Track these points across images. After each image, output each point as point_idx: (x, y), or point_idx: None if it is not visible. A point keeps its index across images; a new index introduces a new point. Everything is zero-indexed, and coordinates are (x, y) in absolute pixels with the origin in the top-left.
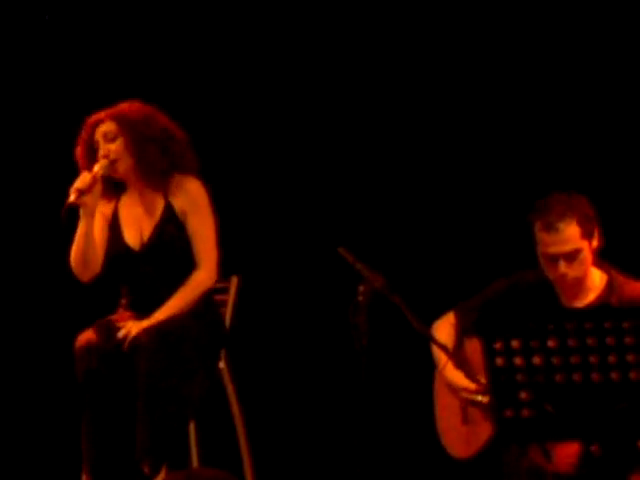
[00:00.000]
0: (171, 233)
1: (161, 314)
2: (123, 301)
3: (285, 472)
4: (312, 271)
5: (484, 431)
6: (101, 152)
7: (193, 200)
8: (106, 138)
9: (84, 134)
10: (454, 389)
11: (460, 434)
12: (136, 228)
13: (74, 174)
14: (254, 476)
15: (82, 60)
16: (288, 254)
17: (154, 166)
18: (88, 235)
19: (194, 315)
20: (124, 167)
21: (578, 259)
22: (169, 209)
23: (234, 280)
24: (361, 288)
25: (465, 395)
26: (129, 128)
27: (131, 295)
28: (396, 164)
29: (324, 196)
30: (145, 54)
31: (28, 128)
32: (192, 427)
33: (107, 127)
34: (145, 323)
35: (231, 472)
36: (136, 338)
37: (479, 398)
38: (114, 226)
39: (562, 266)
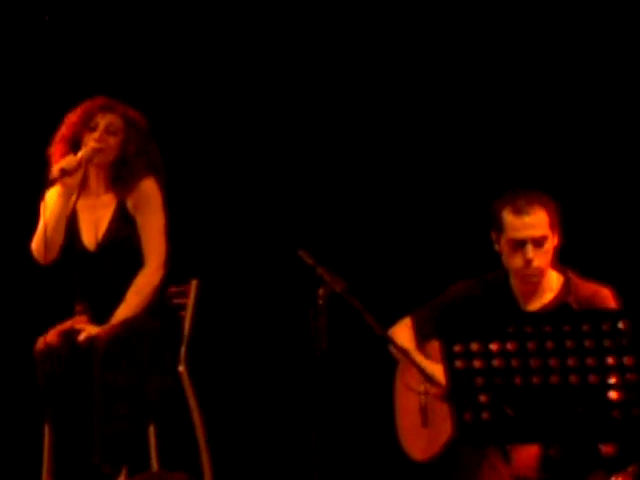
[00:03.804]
0: (123, 231)
1: (117, 318)
2: (79, 307)
3: (244, 476)
4: (272, 274)
5: (443, 433)
6: (96, 136)
7: (143, 197)
8: (108, 130)
9: (86, 107)
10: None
11: (419, 437)
12: (92, 228)
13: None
14: (213, 479)
15: (81, 60)
16: (247, 257)
17: (131, 174)
18: (61, 216)
19: (151, 317)
20: (102, 161)
21: (544, 247)
22: (121, 207)
23: (193, 283)
24: (321, 291)
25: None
26: (133, 132)
27: (87, 297)
28: (355, 167)
29: (283, 199)
30: (133, 53)
31: (24, 126)
32: (152, 430)
33: (115, 120)
34: (105, 327)
35: (190, 475)
36: (92, 340)
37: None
38: (72, 225)
39: (529, 251)
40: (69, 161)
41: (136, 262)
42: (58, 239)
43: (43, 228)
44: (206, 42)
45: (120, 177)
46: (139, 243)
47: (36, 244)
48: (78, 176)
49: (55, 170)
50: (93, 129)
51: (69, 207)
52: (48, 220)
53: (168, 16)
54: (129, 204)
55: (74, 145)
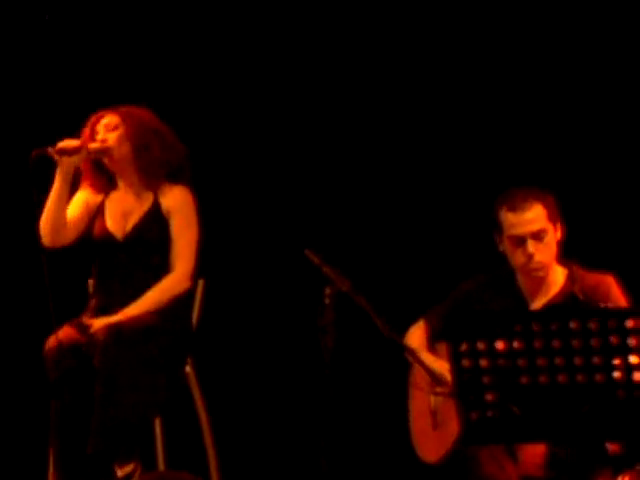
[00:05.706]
0: (154, 228)
1: (128, 312)
2: (91, 303)
3: (252, 476)
4: (278, 273)
5: (451, 434)
6: (98, 137)
7: (181, 205)
8: (107, 128)
9: (91, 123)
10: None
11: (431, 439)
12: (120, 219)
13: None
14: (220, 479)
15: (81, 61)
16: (254, 256)
17: (152, 161)
18: (60, 198)
19: (159, 314)
20: (119, 156)
21: (544, 241)
22: (156, 206)
23: (200, 283)
24: (327, 290)
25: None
26: (132, 120)
27: (101, 290)
28: (362, 167)
29: (290, 198)
30: (139, 54)
31: (25, 128)
32: (158, 429)
33: (110, 119)
34: (111, 320)
35: (197, 474)
36: (94, 334)
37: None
38: (98, 216)
39: (530, 246)
40: (69, 141)
41: (159, 265)
42: (62, 223)
43: (46, 210)
44: (210, 42)
45: (149, 172)
46: (166, 244)
47: (42, 224)
48: (76, 160)
49: (54, 146)
50: (97, 134)
51: (68, 190)
52: (48, 204)
53: (173, 17)
54: (164, 206)
55: (96, 165)
